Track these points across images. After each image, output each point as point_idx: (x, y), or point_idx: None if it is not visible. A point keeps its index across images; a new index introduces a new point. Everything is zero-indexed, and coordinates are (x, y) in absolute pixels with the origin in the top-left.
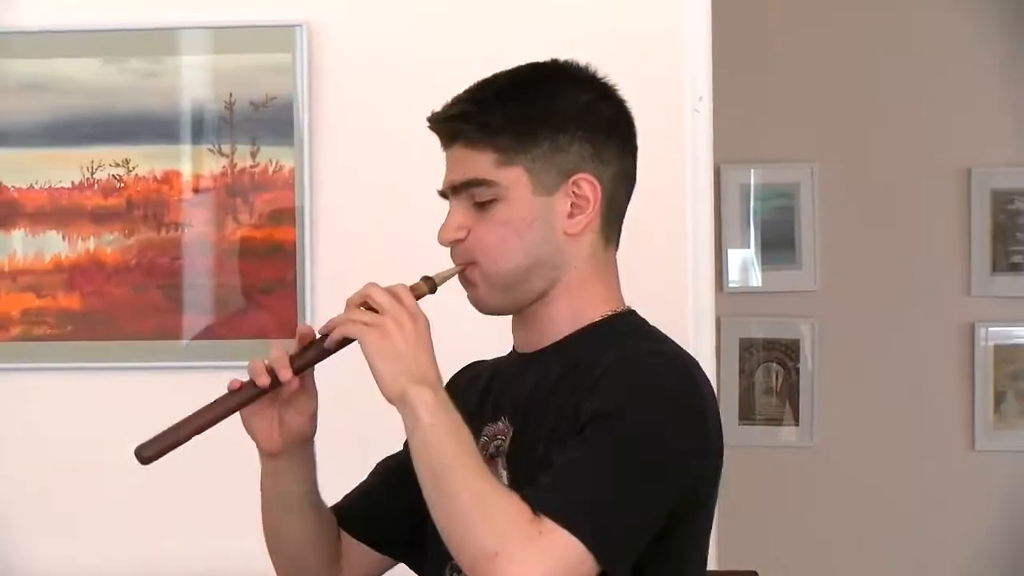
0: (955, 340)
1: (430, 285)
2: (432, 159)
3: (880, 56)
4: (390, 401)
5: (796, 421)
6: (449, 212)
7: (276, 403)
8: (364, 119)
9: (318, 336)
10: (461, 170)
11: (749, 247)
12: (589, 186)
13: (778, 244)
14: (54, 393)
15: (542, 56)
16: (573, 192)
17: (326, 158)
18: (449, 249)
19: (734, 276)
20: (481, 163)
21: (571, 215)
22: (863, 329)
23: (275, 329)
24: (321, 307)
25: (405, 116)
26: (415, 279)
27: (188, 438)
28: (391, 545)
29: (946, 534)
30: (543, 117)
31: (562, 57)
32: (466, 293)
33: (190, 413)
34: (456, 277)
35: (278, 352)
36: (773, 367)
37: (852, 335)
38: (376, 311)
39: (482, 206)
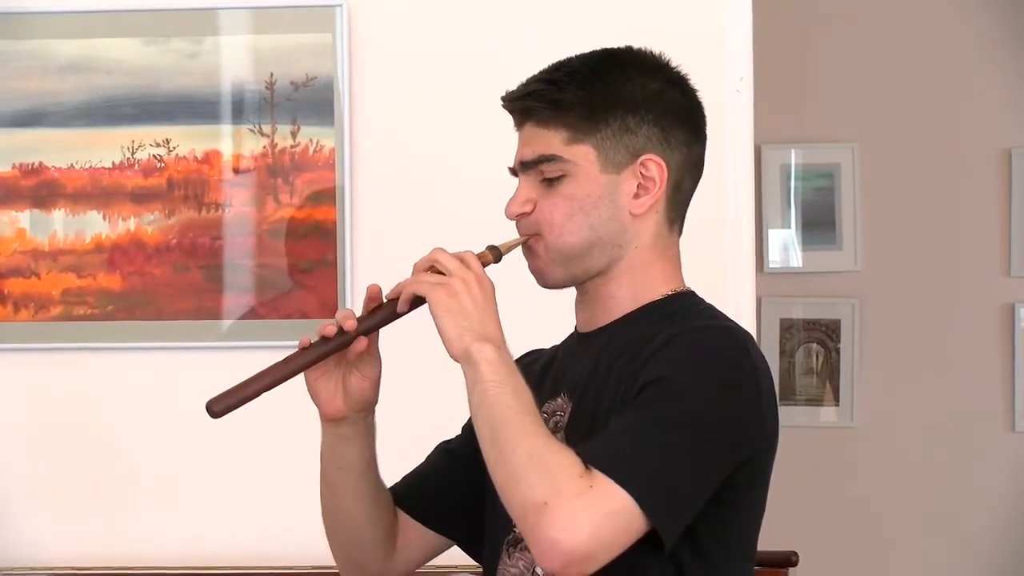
0: (995, 321)
1: (495, 254)
2: (472, 139)
3: (921, 36)
4: (454, 358)
5: (836, 401)
6: (517, 187)
7: (341, 365)
8: (404, 99)
9: (385, 299)
10: (531, 148)
11: (790, 227)
12: (656, 167)
13: (818, 224)
14: (94, 373)
15: (581, 36)
16: (640, 173)
17: (366, 138)
18: (515, 224)
19: (774, 256)
20: (552, 141)
21: (636, 195)
22: (903, 310)
23: (316, 309)
24: (361, 286)
25: (444, 96)
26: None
27: (257, 395)
28: (446, 524)
29: (986, 515)
30: (614, 98)
31: (597, 34)
32: (527, 264)
33: (260, 370)
34: (519, 248)
35: (345, 311)
36: (813, 347)
37: (892, 316)
38: (444, 275)
39: (550, 182)
